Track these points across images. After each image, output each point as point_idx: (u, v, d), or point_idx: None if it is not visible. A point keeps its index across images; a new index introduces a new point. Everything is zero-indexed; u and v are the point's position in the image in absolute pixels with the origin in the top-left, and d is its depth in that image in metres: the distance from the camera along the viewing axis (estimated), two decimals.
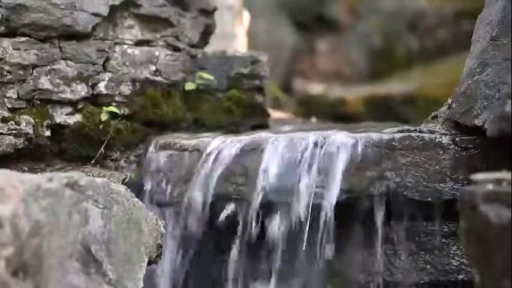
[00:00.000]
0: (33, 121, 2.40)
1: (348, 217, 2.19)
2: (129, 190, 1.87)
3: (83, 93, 2.49)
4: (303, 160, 2.21)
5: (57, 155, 2.52)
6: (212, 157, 2.29)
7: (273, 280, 2.23)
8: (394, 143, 2.20)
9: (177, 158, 2.37)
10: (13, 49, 2.39)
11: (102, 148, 2.52)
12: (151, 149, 2.47)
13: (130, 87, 2.58)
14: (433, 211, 2.17)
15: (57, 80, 2.45)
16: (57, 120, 2.47)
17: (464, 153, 2.18)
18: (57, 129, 2.48)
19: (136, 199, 1.87)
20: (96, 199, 1.74)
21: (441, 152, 2.18)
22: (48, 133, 2.45)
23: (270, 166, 2.22)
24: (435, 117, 2.37)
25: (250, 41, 4.20)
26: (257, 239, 2.22)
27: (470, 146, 2.19)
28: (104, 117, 2.51)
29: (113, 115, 2.53)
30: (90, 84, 2.51)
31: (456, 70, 2.57)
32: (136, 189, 2.34)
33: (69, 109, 2.49)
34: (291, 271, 2.21)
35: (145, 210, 1.89)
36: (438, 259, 2.17)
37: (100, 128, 2.51)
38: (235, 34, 3.96)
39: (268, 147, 2.26)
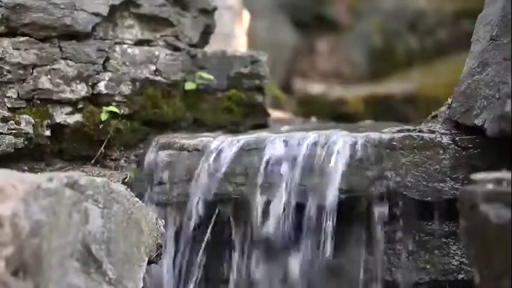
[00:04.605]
0: (33, 121, 2.40)
1: (348, 217, 2.19)
2: (129, 190, 1.87)
3: (82, 93, 2.49)
4: (303, 160, 2.21)
5: (57, 155, 2.52)
6: (212, 157, 2.29)
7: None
8: (394, 143, 2.20)
9: (177, 158, 2.37)
10: (13, 49, 2.39)
11: (102, 148, 2.52)
12: (151, 148, 2.46)
13: (130, 87, 2.58)
14: (433, 211, 2.17)
15: (57, 80, 2.45)
16: (57, 120, 2.47)
17: (464, 153, 2.18)
18: (57, 129, 2.48)
19: (136, 199, 1.87)
20: (96, 199, 1.74)
21: (441, 152, 2.18)
22: (48, 133, 2.45)
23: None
24: (435, 117, 2.37)
25: (250, 41, 4.20)
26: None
27: (470, 145, 2.18)
28: (103, 117, 2.51)
29: (112, 115, 2.53)
30: (90, 84, 2.51)
31: (456, 70, 2.57)
32: (136, 189, 2.34)
33: (69, 109, 2.49)
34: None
35: (145, 210, 1.90)
36: (438, 259, 2.16)
37: (100, 127, 2.51)
38: (235, 34, 3.96)
39: (268, 147, 2.26)
